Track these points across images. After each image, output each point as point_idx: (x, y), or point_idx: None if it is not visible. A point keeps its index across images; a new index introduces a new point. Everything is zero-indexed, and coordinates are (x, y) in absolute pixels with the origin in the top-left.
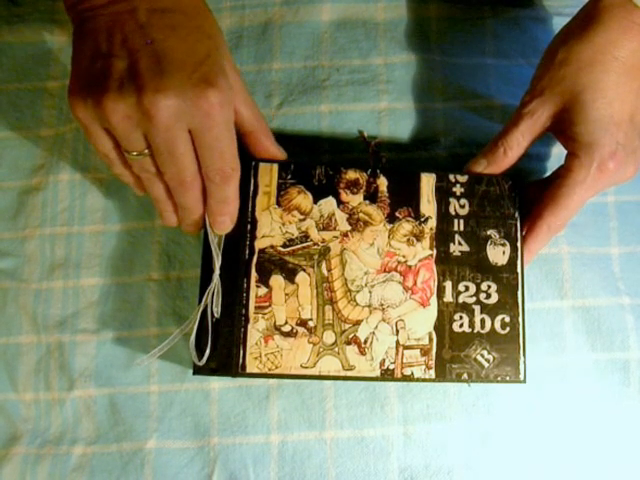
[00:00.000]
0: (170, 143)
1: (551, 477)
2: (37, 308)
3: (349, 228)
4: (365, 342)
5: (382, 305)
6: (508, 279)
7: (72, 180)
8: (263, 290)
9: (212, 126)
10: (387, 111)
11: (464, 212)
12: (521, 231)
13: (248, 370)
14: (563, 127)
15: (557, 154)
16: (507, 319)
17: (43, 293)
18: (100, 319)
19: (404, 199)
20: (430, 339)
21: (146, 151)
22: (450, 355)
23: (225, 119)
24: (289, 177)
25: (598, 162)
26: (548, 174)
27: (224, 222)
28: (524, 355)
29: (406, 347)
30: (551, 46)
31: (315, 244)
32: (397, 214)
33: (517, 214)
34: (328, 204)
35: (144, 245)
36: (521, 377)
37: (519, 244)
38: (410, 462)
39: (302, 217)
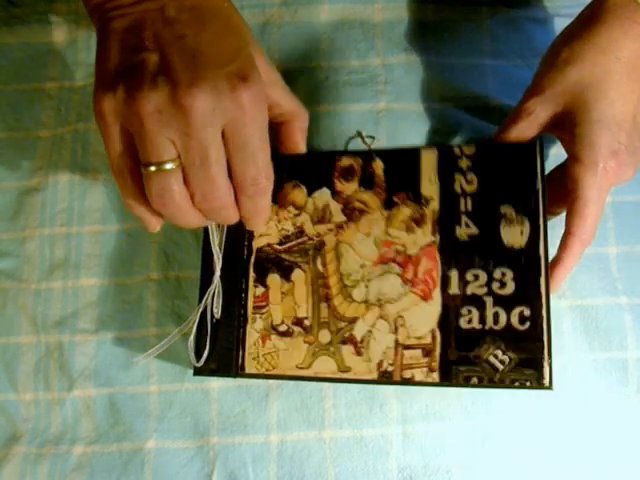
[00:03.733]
0: (204, 146)
1: (550, 477)
2: (36, 308)
3: (344, 219)
4: (361, 341)
5: (380, 300)
6: (528, 264)
7: (71, 181)
8: (261, 290)
9: (246, 122)
10: (385, 112)
11: (472, 188)
12: (544, 204)
13: (247, 371)
14: (565, 129)
15: (556, 154)
16: (527, 312)
17: (42, 293)
18: (99, 319)
19: (403, 181)
20: (433, 337)
21: (168, 166)
22: (457, 356)
23: (259, 115)
24: (284, 173)
25: (603, 162)
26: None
27: (256, 227)
28: (549, 355)
29: (406, 347)
30: (553, 45)
31: (310, 239)
32: (395, 198)
33: (540, 183)
34: (322, 195)
35: (143, 245)
36: (545, 382)
37: (541, 221)
38: (409, 462)
39: (297, 212)
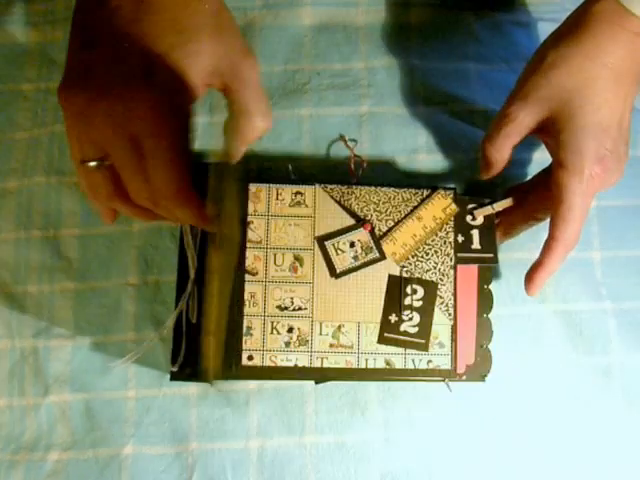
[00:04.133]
0: (119, 149)
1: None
2: (11, 313)
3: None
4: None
5: None
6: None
7: (48, 183)
8: None
9: (151, 133)
10: (368, 115)
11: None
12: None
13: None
14: (549, 134)
15: (538, 159)
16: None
17: (18, 298)
18: (76, 324)
19: None
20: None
21: (96, 163)
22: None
23: (167, 128)
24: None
25: (588, 169)
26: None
27: (204, 229)
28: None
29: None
30: (539, 50)
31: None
32: None
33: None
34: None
35: (121, 249)
36: None
37: None
38: (391, 467)
39: None
